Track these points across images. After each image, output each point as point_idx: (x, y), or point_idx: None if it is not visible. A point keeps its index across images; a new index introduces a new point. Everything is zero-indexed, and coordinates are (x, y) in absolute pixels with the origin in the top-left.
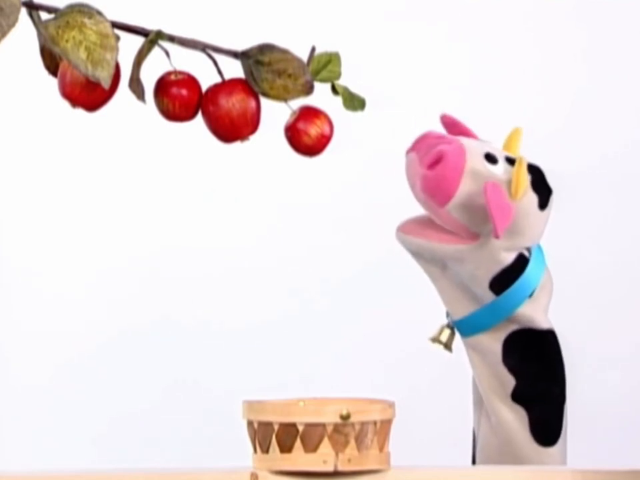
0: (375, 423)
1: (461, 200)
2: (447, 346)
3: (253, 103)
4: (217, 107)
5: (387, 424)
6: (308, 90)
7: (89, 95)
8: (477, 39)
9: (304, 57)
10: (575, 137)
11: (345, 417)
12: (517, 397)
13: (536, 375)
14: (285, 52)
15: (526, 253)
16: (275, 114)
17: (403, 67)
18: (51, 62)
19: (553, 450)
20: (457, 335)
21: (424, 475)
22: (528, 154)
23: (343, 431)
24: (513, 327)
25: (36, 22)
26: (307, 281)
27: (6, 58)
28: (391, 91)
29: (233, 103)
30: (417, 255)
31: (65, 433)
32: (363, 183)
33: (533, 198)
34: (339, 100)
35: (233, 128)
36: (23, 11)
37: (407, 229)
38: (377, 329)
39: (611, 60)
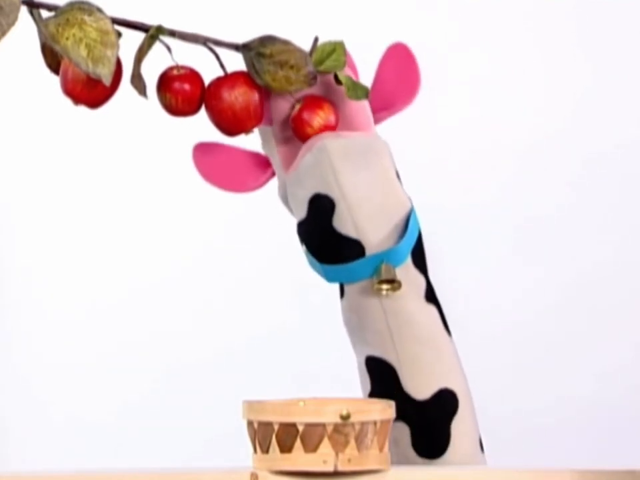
0: (375, 423)
1: None
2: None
3: (255, 96)
4: (220, 100)
5: (386, 424)
6: (311, 81)
7: (90, 92)
8: (479, 35)
9: (306, 48)
10: (577, 136)
11: (345, 417)
12: (428, 296)
13: (427, 269)
14: (286, 43)
15: None
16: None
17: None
18: (52, 60)
19: (452, 339)
20: None
21: (424, 475)
22: (530, 152)
23: (343, 430)
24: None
25: (36, 20)
26: (307, 280)
27: (7, 57)
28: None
29: (236, 96)
30: (358, 158)
31: (65, 433)
32: None
33: None
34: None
35: (236, 121)
36: (23, 9)
37: None
38: None
39: (613, 60)
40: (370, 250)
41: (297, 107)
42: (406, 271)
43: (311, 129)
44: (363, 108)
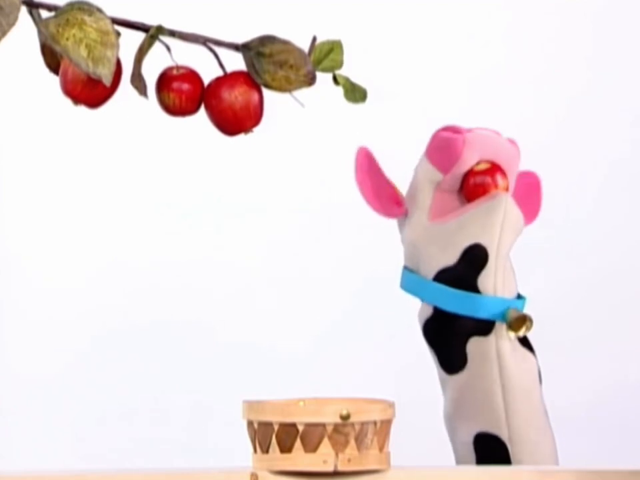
0: (375, 423)
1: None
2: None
3: (255, 95)
4: (220, 100)
5: (386, 424)
6: (310, 81)
7: (90, 92)
8: (479, 33)
9: (305, 47)
10: (575, 136)
11: (345, 417)
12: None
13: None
14: (285, 43)
15: None
16: (277, 105)
17: (406, 58)
18: (52, 60)
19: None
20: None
21: (424, 475)
22: (528, 155)
23: (342, 431)
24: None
25: (36, 20)
26: (306, 281)
27: (7, 57)
28: (392, 83)
29: (236, 95)
30: (519, 229)
31: (65, 433)
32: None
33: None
34: (340, 91)
35: (236, 121)
36: (23, 10)
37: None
38: (377, 329)
39: (612, 62)
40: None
41: (483, 165)
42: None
43: (495, 188)
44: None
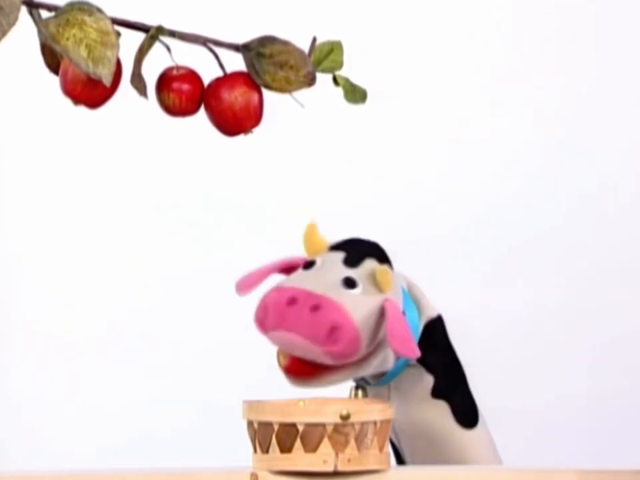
0: (375, 423)
1: (366, 344)
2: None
3: (255, 96)
4: (220, 100)
5: (386, 424)
6: (310, 81)
7: (90, 92)
8: (479, 33)
9: (305, 48)
10: (575, 136)
11: (345, 417)
12: (436, 392)
13: (446, 364)
14: (286, 44)
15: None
16: (277, 106)
17: (406, 58)
18: (52, 60)
19: (476, 430)
20: None
21: (424, 475)
22: (528, 155)
23: (342, 431)
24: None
25: (36, 20)
26: None
27: (7, 56)
28: (392, 83)
29: (236, 96)
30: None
31: (64, 433)
32: (364, 180)
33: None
34: (340, 91)
35: (236, 121)
36: (23, 10)
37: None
38: None
39: (614, 62)
40: None
41: None
42: (412, 371)
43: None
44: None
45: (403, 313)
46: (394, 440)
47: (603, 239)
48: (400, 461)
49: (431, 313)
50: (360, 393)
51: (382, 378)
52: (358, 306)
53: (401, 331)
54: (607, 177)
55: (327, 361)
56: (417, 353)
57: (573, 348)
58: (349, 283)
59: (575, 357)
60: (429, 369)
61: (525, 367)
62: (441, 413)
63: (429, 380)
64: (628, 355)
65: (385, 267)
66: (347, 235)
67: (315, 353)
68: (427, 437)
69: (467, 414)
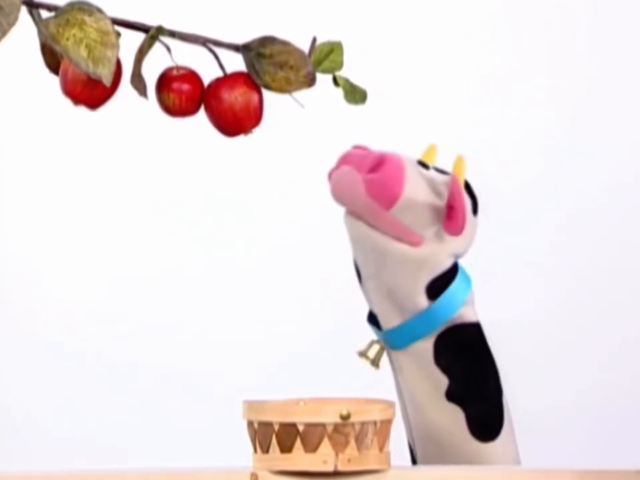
0: (375, 423)
1: (405, 201)
2: (375, 362)
3: (255, 96)
4: (220, 101)
5: (387, 424)
6: (310, 82)
7: (90, 92)
8: (479, 33)
9: (305, 48)
10: (576, 136)
11: (345, 417)
12: (452, 396)
13: (468, 370)
14: (286, 44)
15: (457, 260)
16: (277, 106)
17: (405, 59)
18: (52, 60)
19: (494, 444)
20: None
21: (424, 475)
22: (528, 155)
23: (342, 431)
24: (443, 326)
25: (36, 20)
26: (307, 281)
27: (7, 57)
28: (392, 84)
29: (236, 96)
30: (359, 243)
31: (64, 433)
32: None
33: (469, 202)
34: (340, 92)
35: (236, 122)
36: (23, 10)
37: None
38: None
39: (614, 62)
40: (382, 326)
41: None
42: (425, 366)
43: None
44: (395, 224)
45: (456, 266)
46: (409, 439)
47: (603, 238)
48: (414, 461)
49: (470, 313)
50: (377, 347)
51: (398, 339)
52: (418, 173)
53: (459, 202)
54: (608, 177)
55: (365, 199)
56: (459, 233)
57: (573, 348)
58: (423, 164)
59: (575, 356)
60: (443, 370)
61: (524, 366)
62: (454, 419)
63: (443, 380)
64: (628, 355)
65: (463, 158)
66: (346, 234)
67: (356, 181)
68: (437, 442)
69: (485, 426)
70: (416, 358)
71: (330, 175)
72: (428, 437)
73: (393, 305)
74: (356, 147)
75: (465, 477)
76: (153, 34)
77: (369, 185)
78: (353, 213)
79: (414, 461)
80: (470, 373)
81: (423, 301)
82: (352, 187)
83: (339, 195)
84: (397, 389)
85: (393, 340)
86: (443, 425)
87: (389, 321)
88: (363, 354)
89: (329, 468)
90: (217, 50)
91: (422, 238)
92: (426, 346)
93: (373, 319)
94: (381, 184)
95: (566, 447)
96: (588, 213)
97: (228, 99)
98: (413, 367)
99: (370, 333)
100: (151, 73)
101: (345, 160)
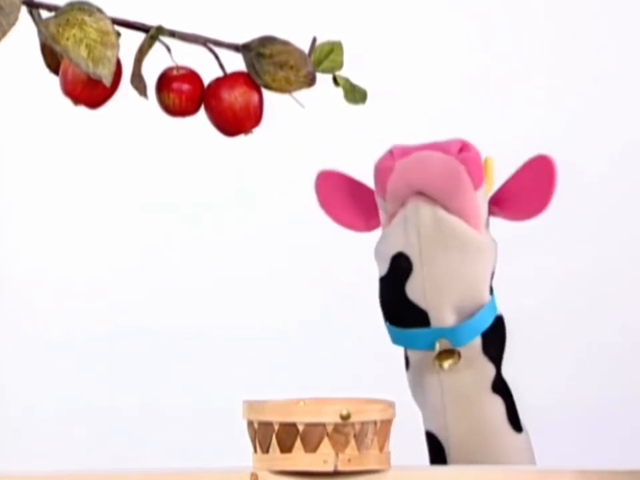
0: (375, 423)
1: (484, 184)
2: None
3: (255, 96)
4: (220, 100)
5: (387, 424)
6: (310, 81)
7: (90, 92)
8: (479, 33)
9: (305, 48)
10: (576, 137)
11: (345, 417)
12: (496, 386)
13: (501, 361)
14: (286, 44)
15: None
16: (277, 106)
17: (405, 59)
18: (52, 60)
19: (526, 434)
20: None
21: (424, 475)
22: (527, 155)
23: (343, 431)
24: None
25: (36, 20)
26: (307, 281)
27: (7, 57)
28: (392, 83)
29: (236, 96)
30: (432, 230)
31: (64, 433)
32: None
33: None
34: (340, 92)
35: (236, 121)
36: (23, 10)
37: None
38: (377, 329)
39: (614, 62)
40: (435, 323)
41: None
42: (473, 358)
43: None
44: (476, 208)
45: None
46: (435, 433)
47: (603, 239)
48: (436, 455)
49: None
50: (442, 342)
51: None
52: None
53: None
54: (608, 177)
55: (463, 176)
56: (542, 211)
57: (573, 348)
58: None
59: (575, 356)
60: (492, 359)
61: (524, 367)
62: (498, 411)
63: (491, 370)
64: (628, 355)
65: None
66: (347, 233)
67: (451, 161)
68: (481, 435)
69: (516, 416)
70: (466, 350)
71: (388, 167)
72: (471, 431)
73: (453, 297)
74: (398, 146)
75: (465, 476)
76: (152, 34)
77: (468, 162)
78: (428, 199)
79: (437, 460)
80: (501, 363)
81: (487, 293)
82: (448, 167)
83: (423, 178)
84: (424, 387)
85: (459, 336)
86: (488, 417)
87: (444, 317)
88: (441, 365)
89: (329, 468)
90: (217, 50)
91: (483, 226)
92: (476, 338)
93: (404, 320)
94: (476, 162)
95: (566, 447)
96: (587, 210)
97: (228, 98)
98: (461, 361)
99: (370, 333)
100: (151, 73)
101: (407, 151)
